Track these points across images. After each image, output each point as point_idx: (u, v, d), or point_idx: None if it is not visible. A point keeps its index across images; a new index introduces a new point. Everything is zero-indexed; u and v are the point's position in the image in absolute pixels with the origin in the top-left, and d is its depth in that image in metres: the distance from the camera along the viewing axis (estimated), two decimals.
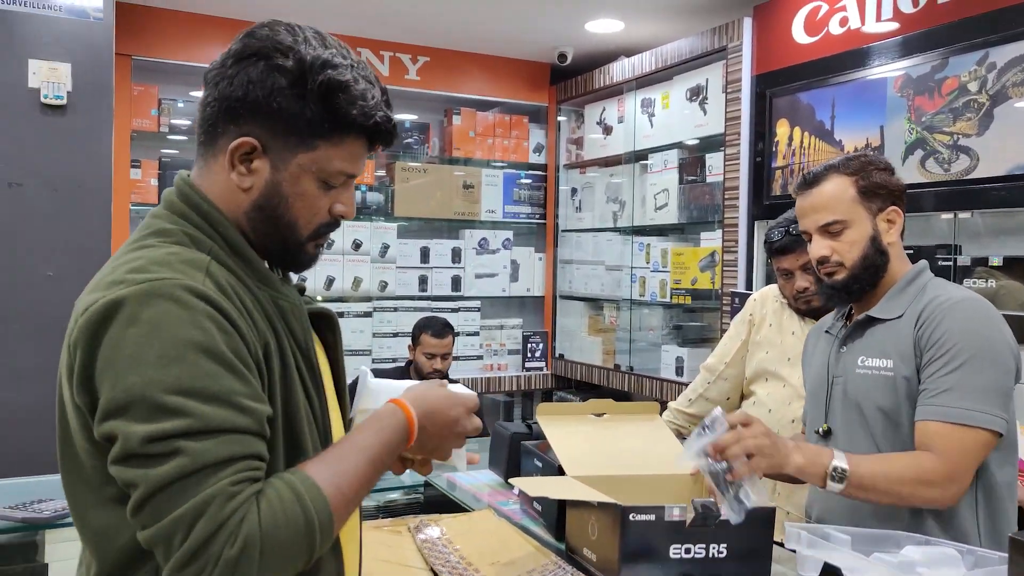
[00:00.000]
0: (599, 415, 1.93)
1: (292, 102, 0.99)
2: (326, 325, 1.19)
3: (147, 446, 0.87)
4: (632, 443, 1.83)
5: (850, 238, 1.57)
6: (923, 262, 1.65)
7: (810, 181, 1.62)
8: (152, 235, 1.01)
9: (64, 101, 2.88)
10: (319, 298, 4.00)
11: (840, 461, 1.44)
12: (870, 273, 1.58)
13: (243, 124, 1.01)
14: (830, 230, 1.59)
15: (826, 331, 1.75)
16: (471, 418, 1.16)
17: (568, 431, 1.84)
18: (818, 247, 1.60)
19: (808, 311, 2.25)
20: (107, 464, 0.91)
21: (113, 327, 0.90)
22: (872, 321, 1.61)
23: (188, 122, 3.94)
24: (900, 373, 1.54)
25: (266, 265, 1.07)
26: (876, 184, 1.58)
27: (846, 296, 1.62)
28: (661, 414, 2.50)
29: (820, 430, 1.67)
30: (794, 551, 1.29)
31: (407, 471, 1.25)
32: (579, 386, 4.59)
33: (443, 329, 3.50)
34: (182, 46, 3.84)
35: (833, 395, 1.65)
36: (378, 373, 1.35)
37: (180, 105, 3.92)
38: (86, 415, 0.93)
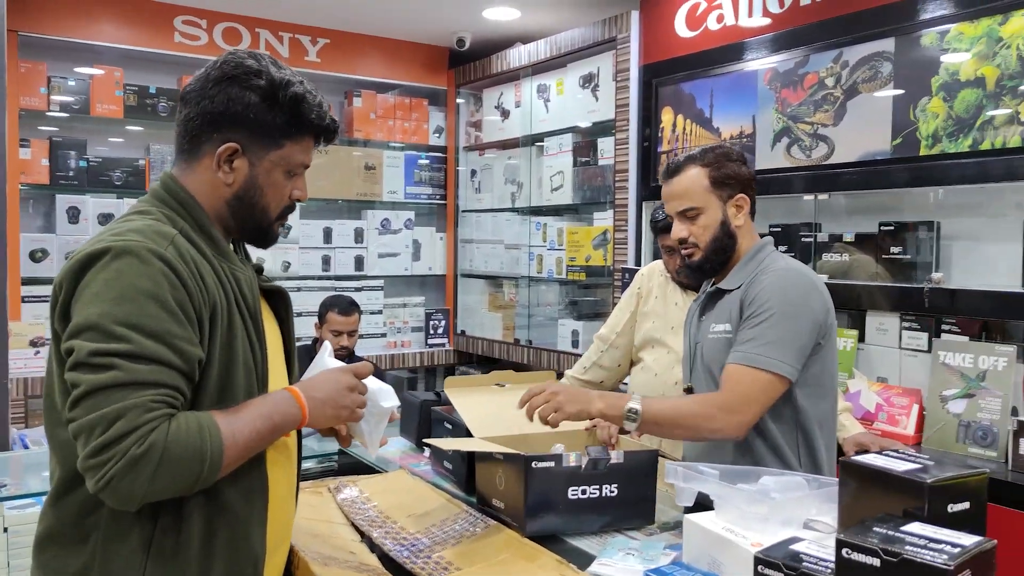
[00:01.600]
0: (501, 385, 2.11)
1: (264, 113, 1.28)
2: (280, 300, 1.47)
3: (92, 358, 1.11)
4: None
5: (703, 223, 1.82)
6: (767, 238, 1.90)
7: (672, 171, 1.85)
8: (136, 213, 1.29)
9: None
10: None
11: (635, 403, 1.70)
12: (719, 254, 1.83)
13: (225, 132, 1.28)
14: (687, 215, 1.83)
15: (695, 302, 1.99)
16: (351, 374, 1.39)
17: (474, 400, 2.01)
18: (677, 230, 1.85)
19: (689, 284, 2.50)
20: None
21: (91, 272, 1.16)
22: (721, 292, 1.86)
23: (83, 101, 3.84)
24: (734, 334, 1.78)
25: (230, 245, 1.34)
26: (727, 175, 1.82)
27: (701, 274, 1.88)
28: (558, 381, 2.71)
29: (685, 388, 1.92)
30: (672, 484, 1.50)
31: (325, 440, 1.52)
32: (480, 361, 4.77)
33: (349, 307, 3.60)
34: (70, 22, 3.74)
35: (695, 359, 1.90)
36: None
37: (71, 84, 3.82)
38: (60, 340, 1.17)
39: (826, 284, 1.86)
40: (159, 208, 1.29)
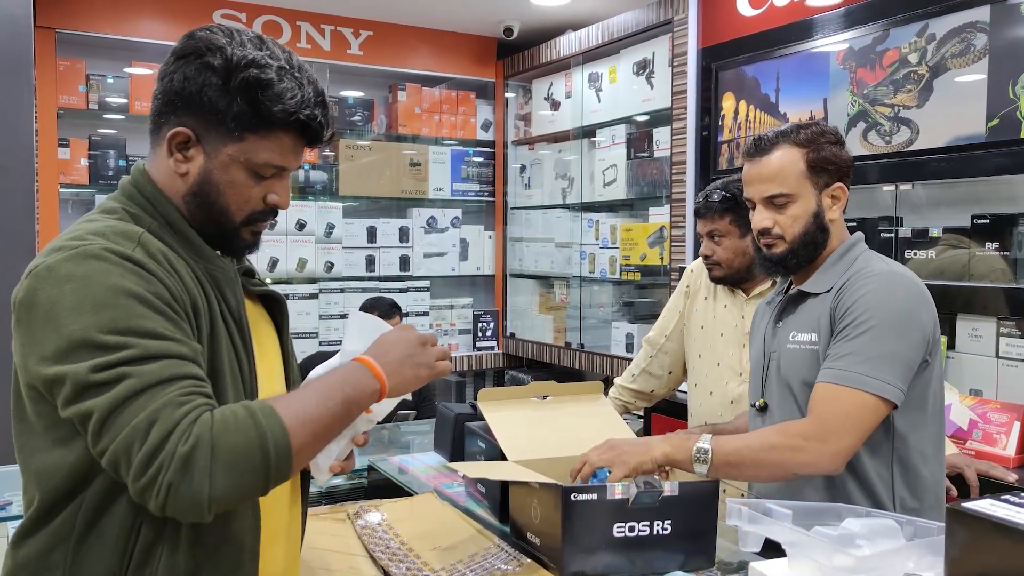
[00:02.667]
0: (543, 397, 1.89)
1: (220, 97, 1.09)
2: (275, 306, 1.30)
3: (94, 376, 0.95)
4: (575, 424, 1.80)
5: (794, 212, 1.55)
6: (858, 234, 1.64)
7: (759, 149, 1.57)
8: (99, 212, 1.13)
9: None
10: (268, 280, 3.90)
11: (704, 443, 1.48)
12: (809, 249, 1.57)
13: (181, 115, 1.11)
14: (775, 202, 1.56)
15: (767, 304, 1.74)
16: (414, 328, 1.21)
17: (510, 415, 1.81)
18: (760, 217, 1.58)
19: (716, 279, 2.21)
20: (56, 410, 0.99)
21: (52, 286, 0.99)
22: (804, 296, 1.60)
23: (122, 100, 3.78)
24: (822, 347, 1.52)
25: (203, 241, 1.16)
26: (825, 159, 1.55)
27: (782, 269, 1.60)
28: (607, 392, 2.48)
29: (757, 404, 1.66)
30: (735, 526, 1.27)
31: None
32: (531, 364, 4.56)
33: (390, 309, 3.43)
34: (111, 19, 3.67)
35: (769, 371, 1.64)
36: (320, 357, 1.33)
37: (110, 81, 3.75)
38: (29, 368, 1.01)
39: None
40: (124, 205, 1.13)
